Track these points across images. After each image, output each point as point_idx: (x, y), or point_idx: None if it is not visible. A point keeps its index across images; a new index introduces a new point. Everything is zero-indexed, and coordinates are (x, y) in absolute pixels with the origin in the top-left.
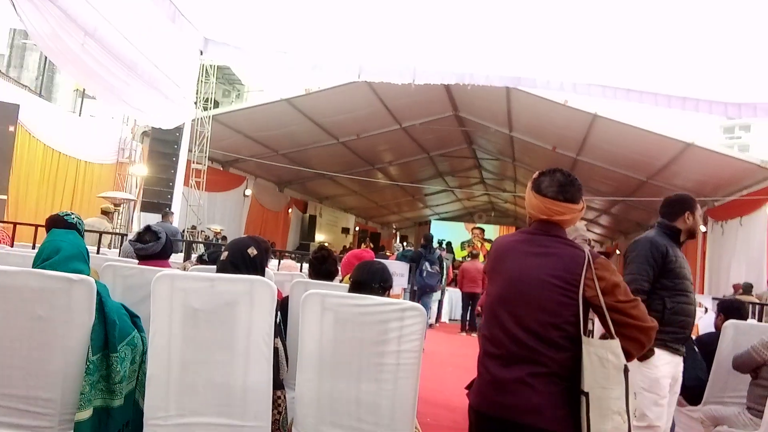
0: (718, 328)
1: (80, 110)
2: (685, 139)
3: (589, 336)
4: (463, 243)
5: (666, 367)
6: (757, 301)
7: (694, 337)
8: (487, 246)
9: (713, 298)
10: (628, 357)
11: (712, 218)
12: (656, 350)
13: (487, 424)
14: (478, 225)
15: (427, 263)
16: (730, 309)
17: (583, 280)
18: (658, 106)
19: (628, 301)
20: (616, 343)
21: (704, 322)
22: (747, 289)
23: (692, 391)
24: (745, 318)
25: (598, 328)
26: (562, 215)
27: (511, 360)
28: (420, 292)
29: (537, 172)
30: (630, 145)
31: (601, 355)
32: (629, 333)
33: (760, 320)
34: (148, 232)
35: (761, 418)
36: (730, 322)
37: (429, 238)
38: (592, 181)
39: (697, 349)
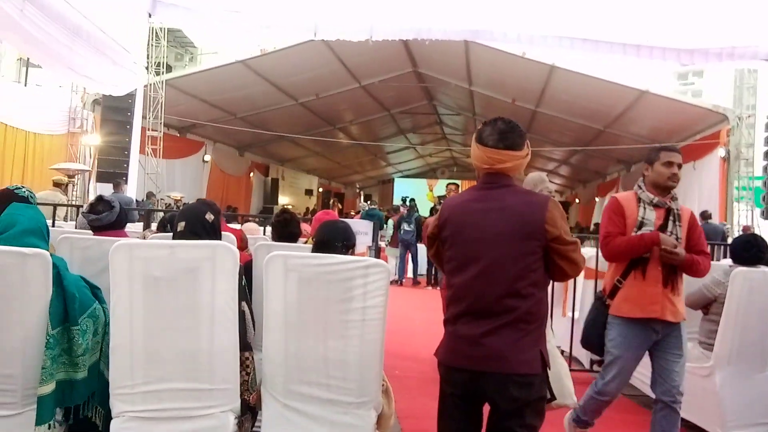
0: None
1: (26, 80)
2: (640, 87)
3: None
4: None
5: None
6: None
7: None
8: None
9: None
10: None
11: None
12: None
13: (457, 375)
14: (453, 181)
15: (405, 224)
16: None
17: (544, 225)
18: (613, 54)
19: (571, 243)
20: None
21: None
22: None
23: None
24: None
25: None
26: (503, 163)
27: (479, 316)
28: (402, 246)
29: (481, 123)
30: (587, 94)
31: None
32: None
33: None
34: (101, 203)
35: (712, 351)
36: None
37: (412, 206)
38: (551, 133)
39: None
